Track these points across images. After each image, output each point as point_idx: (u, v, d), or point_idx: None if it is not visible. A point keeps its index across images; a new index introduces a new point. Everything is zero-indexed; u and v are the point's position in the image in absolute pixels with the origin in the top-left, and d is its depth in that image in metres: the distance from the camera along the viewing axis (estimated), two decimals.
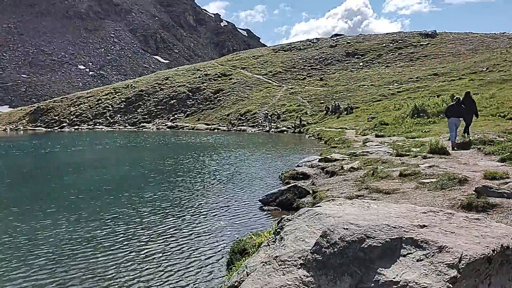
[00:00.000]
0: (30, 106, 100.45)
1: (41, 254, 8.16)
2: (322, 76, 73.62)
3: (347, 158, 16.43)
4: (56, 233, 9.55)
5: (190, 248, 8.45)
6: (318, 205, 6.06)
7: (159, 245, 8.62)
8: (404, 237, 4.49)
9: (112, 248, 8.46)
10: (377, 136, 25.27)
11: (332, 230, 4.75)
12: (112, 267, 7.46)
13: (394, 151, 16.76)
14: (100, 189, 15.26)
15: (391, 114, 34.84)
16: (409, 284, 4.03)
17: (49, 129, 78.00)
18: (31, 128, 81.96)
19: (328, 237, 4.71)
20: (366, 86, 60.38)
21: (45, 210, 11.90)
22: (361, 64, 77.90)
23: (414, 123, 27.75)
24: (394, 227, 4.62)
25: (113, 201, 12.97)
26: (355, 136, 28.48)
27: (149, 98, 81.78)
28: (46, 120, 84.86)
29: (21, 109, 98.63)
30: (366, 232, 4.55)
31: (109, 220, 10.58)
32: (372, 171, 12.06)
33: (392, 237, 4.49)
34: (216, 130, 58.00)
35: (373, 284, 4.20)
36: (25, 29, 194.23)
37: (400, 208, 5.56)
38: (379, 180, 11.13)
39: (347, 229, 4.67)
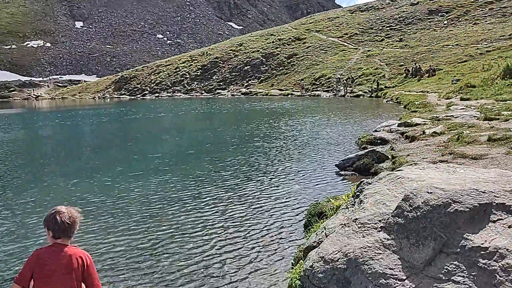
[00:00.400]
0: (114, 75, 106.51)
1: (133, 213, 8.86)
2: (401, 37, 69.73)
3: (429, 123, 15.69)
4: (145, 194, 10.29)
5: (268, 210, 8.70)
6: (399, 169, 5.93)
7: (240, 207, 8.97)
8: (495, 202, 4.27)
9: (197, 209, 8.96)
10: (462, 99, 23.70)
11: (415, 194, 4.64)
12: (197, 226, 7.93)
13: (482, 115, 15.68)
14: (183, 153, 16.05)
15: (478, 75, 32.34)
16: (499, 250, 3.87)
17: (132, 97, 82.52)
18: (116, 96, 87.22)
19: (410, 200, 4.61)
20: (450, 46, 56.30)
21: (133, 172, 12.81)
22: (445, 22, 72.42)
23: (505, 84, 25.54)
24: (483, 192, 4.41)
25: (195, 165, 13.61)
26: (438, 99, 26.95)
27: (223, 65, 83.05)
28: (129, 88, 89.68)
29: (107, 78, 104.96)
30: (452, 196, 4.39)
31: (193, 183, 11.16)
32: (457, 136, 11.43)
33: (481, 202, 4.29)
34: (289, 96, 57.79)
35: (458, 249, 4.09)
36: (108, 1, 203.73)
37: (489, 173, 5.26)
38: (465, 145, 10.54)
39: (431, 193, 4.54)
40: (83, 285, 3.06)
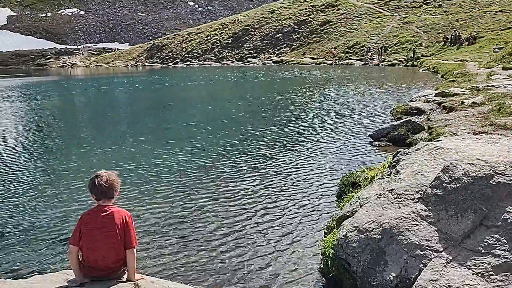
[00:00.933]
0: (146, 43, 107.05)
1: (168, 180, 9.04)
2: (441, 3, 66.62)
3: (468, 93, 15.12)
4: (180, 161, 10.46)
5: (300, 179, 8.70)
6: (438, 139, 5.76)
7: (273, 176, 9.00)
8: None
9: (230, 177, 9.06)
10: (504, 68, 22.64)
11: (455, 165, 4.51)
12: (231, 194, 8.03)
13: None
14: (216, 121, 16.15)
15: None
16: None
17: (164, 65, 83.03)
18: (148, 64, 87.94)
19: (450, 172, 4.49)
20: (493, 13, 53.44)
21: (168, 140, 13.02)
22: None
23: None
24: None
25: (229, 134, 13.69)
26: (478, 69, 25.86)
27: (255, 32, 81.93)
28: (161, 56, 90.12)
29: (139, 47, 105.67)
30: (495, 168, 4.24)
31: (227, 151, 11.26)
32: (498, 107, 10.99)
33: None
34: (321, 65, 56.73)
35: (500, 223, 3.98)
36: None
37: None
38: (507, 116, 10.12)
39: (472, 164, 4.40)
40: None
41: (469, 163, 4.44)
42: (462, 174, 4.37)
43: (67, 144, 12.97)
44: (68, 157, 11.13)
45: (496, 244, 3.91)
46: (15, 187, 8.75)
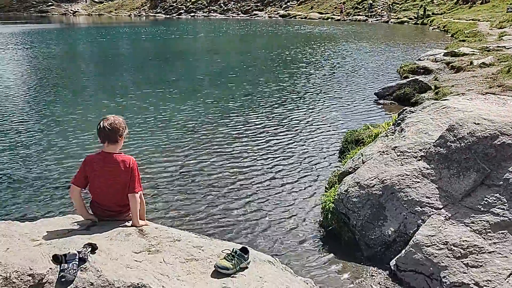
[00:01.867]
0: None
1: (173, 131, 9.06)
2: None
3: (478, 53, 14.83)
4: (184, 112, 10.44)
5: (304, 136, 8.70)
6: (445, 98, 5.70)
7: (277, 131, 9.01)
8: None
9: (237, 130, 9.07)
10: None
11: (460, 124, 4.48)
12: (236, 147, 8.07)
13: None
14: (221, 75, 15.97)
15: None
16: None
17: (168, 16, 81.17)
18: (152, 14, 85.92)
19: (455, 131, 4.47)
20: None
21: (172, 91, 12.94)
22: None
23: None
24: None
25: (233, 88, 13.57)
26: (489, 29, 25.21)
27: None
28: (165, 6, 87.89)
29: None
30: (500, 128, 4.22)
31: (230, 106, 11.21)
32: (507, 68, 10.80)
33: None
34: (329, 20, 55.35)
35: (501, 182, 4.00)
36: None
37: None
38: None
39: (478, 124, 4.37)
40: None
41: (475, 123, 4.41)
42: (467, 134, 4.35)
43: (71, 93, 12.92)
44: (72, 106, 11.12)
45: (496, 203, 3.96)
46: (21, 135, 8.80)
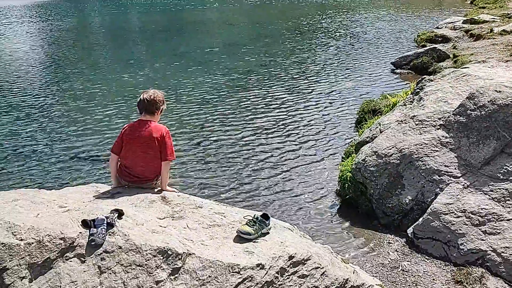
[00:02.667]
0: None
1: (187, 104, 9.10)
2: None
3: (499, 20, 14.39)
4: (201, 82, 10.45)
5: (321, 105, 8.68)
6: (465, 66, 5.61)
7: (294, 101, 8.99)
8: None
9: (252, 101, 9.07)
10: None
11: (481, 92, 4.43)
12: (253, 118, 8.09)
13: None
14: (235, 46, 15.83)
15: None
16: None
17: None
18: None
19: (475, 99, 4.42)
20: None
21: (185, 63, 12.91)
22: None
23: None
24: None
25: (247, 60, 13.48)
26: None
27: None
28: None
29: None
30: None
31: (245, 78, 11.17)
32: None
33: None
34: None
35: None
36: None
37: None
38: None
39: (499, 92, 4.32)
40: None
41: (496, 90, 4.36)
42: (488, 102, 4.31)
43: (87, 67, 12.99)
44: (89, 80, 11.21)
45: None
46: (43, 108, 8.95)
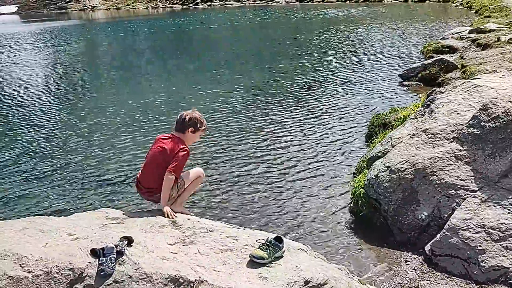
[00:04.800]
0: None
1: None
2: None
3: (505, 29, 14.32)
4: (210, 97, 10.45)
5: (330, 120, 8.60)
6: (476, 77, 5.52)
7: (302, 117, 8.93)
8: None
9: (261, 117, 9.03)
10: None
11: (494, 103, 4.34)
12: (264, 136, 8.04)
13: None
14: (242, 62, 15.92)
15: None
16: None
17: (184, 6, 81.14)
18: (168, 6, 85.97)
19: (489, 110, 4.33)
20: None
21: (192, 81, 12.97)
22: None
23: None
24: None
25: (254, 73, 13.53)
26: None
27: None
28: None
29: None
30: None
31: (254, 94, 11.16)
32: None
33: None
34: (348, 2, 54.28)
35: None
36: None
37: None
38: None
39: None
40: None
41: (510, 101, 4.26)
42: (502, 113, 4.21)
43: (98, 88, 13.08)
44: (101, 102, 11.27)
45: None
46: (52, 131, 8.98)
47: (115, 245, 2.59)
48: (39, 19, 54.62)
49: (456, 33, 15.57)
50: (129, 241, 2.71)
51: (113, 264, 2.48)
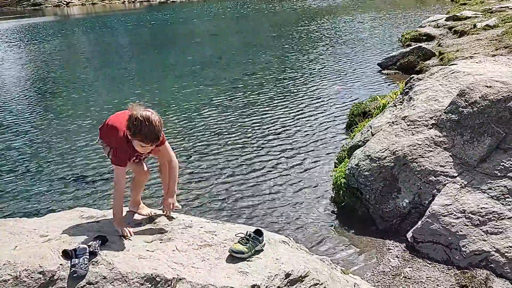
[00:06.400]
0: None
1: (176, 114, 8.95)
2: None
3: (481, 16, 14.48)
4: (189, 93, 10.31)
5: (309, 110, 8.57)
6: (453, 63, 5.53)
7: (281, 107, 8.87)
8: None
9: (241, 108, 8.94)
10: None
11: (471, 88, 4.34)
12: (243, 128, 7.96)
13: None
14: (221, 56, 15.75)
15: None
16: None
17: (162, 0, 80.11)
18: (145, 0, 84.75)
19: (466, 95, 4.33)
20: None
21: (173, 75, 12.79)
22: None
23: None
24: None
25: (234, 67, 13.39)
26: None
27: None
28: None
29: None
30: None
31: (233, 86, 11.05)
32: None
33: None
34: None
35: None
36: None
37: None
38: None
39: (490, 87, 4.22)
40: None
41: (486, 86, 4.27)
42: (479, 98, 4.21)
43: (76, 87, 12.77)
44: (76, 99, 11.01)
45: None
46: (27, 130, 8.73)
47: (88, 245, 2.49)
48: (12, 16, 53.23)
49: (433, 21, 15.69)
50: (103, 240, 2.61)
51: (86, 265, 2.38)
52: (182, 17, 36.56)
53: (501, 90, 4.12)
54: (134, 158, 3.00)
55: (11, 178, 6.44)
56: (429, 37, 13.41)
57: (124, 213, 3.07)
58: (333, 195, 5.12)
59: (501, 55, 8.40)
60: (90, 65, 16.94)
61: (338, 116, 8.04)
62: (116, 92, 11.36)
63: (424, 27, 15.32)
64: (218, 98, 9.94)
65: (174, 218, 3.13)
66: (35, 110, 10.15)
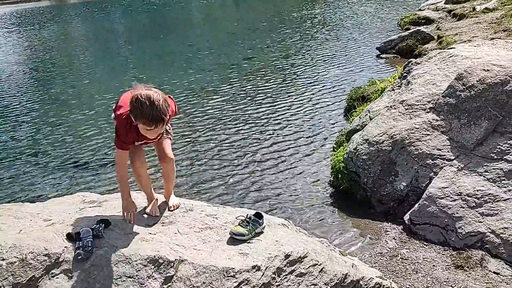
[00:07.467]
0: None
1: (178, 95, 8.94)
2: None
3: None
4: (187, 78, 10.30)
5: (308, 97, 8.58)
6: (451, 47, 5.54)
7: (280, 93, 8.88)
8: None
9: (240, 94, 8.95)
10: None
11: (469, 72, 4.36)
12: (242, 114, 7.98)
13: None
14: (218, 42, 15.67)
15: None
16: None
17: None
18: None
19: (464, 79, 4.35)
20: None
21: (170, 62, 12.74)
22: None
23: None
24: None
25: (232, 53, 13.34)
26: None
27: None
28: None
29: None
30: (511, 73, 4.09)
31: (233, 72, 11.03)
32: None
33: None
34: None
35: None
36: None
37: None
38: None
39: (488, 70, 4.25)
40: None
41: (484, 69, 4.29)
42: (477, 81, 4.24)
43: (74, 73, 12.76)
44: (75, 86, 11.00)
45: (509, 149, 3.89)
46: (28, 116, 8.75)
47: (91, 228, 2.54)
48: (7, 1, 52.62)
49: (432, 4, 15.58)
50: (106, 223, 2.66)
51: (90, 248, 2.43)
52: (182, 1, 36.21)
53: (499, 73, 4.15)
54: (142, 142, 2.81)
55: (14, 164, 6.48)
56: (428, 21, 13.35)
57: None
58: (332, 179, 5.17)
59: (499, 38, 8.39)
60: (88, 50, 16.86)
61: (337, 101, 8.06)
62: (115, 78, 11.34)
63: (423, 10, 15.23)
64: (217, 83, 9.94)
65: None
66: (34, 97, 10.14)
